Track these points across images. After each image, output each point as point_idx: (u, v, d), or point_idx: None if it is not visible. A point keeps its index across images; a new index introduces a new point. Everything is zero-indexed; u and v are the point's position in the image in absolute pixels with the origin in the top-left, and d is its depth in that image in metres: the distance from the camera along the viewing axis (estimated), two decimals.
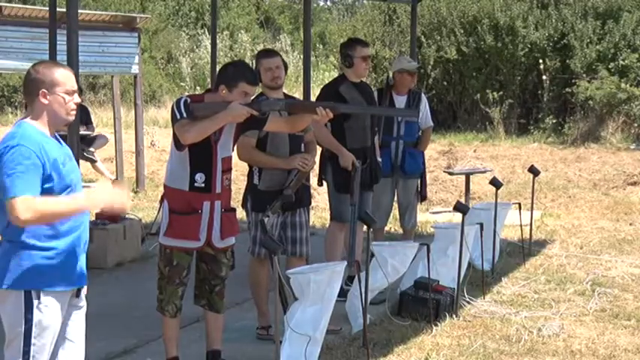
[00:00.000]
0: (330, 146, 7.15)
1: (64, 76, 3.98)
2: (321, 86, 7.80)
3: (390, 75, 8.59)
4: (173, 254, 5.33)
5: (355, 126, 7.18)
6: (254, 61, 6.37)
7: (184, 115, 5.21)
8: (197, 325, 6.36)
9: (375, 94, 8.03)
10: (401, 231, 9.03)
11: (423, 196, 8.72)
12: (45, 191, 3.85)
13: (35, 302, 3.89)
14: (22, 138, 3.87)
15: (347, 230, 7.24)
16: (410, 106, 8.33)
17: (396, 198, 8.59)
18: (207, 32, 28.19)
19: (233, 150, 5.53)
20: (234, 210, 5.54)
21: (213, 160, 5.30)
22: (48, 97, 3.95)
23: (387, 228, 9.28)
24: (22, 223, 3.78)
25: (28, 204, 3.74)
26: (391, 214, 8.84)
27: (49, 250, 3.92)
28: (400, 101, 8.33)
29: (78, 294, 4.08)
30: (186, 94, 5.45)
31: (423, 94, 8.70)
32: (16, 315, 3.91)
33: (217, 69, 6.11)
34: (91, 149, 13.34)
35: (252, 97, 6.43)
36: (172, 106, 5.33)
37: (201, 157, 5.27)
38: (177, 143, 5.26)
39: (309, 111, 5.57)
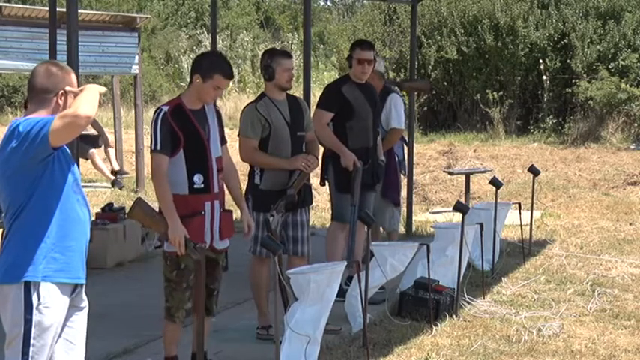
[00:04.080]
0: (332, 146, 7.13)
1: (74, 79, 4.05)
2: (321, 86, 7.79)
3: None
4: (180, 258, 5.21)
5: (357, 126, 7.17)
6: (263, 60, 6.35)
7: (159, 145, 5.12)
8: None
9: None
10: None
11: (393, 202, 8.31)
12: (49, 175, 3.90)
13: (35, 302, 3.89)
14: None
15: (348, 230, 7.23)
16: None
17: None
18: (206, 32, 28.18)
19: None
20: (231, 210, 5.50)
21: (209, 160, 5.25)
22: (62, 97, 3.98)
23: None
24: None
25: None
26: None
27: (52, 242, 3.92)
28: None
29: (75, 290, 4.07)
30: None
31: (394, 95, 8.19)
32: (16, 315, 3.90)
33: None
34: (92, 150, 13.30)
35: (256, 98, 6.45)
36: (152, 120, 5.23)
37: (197, 157, 5.22)
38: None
39: (196, 289, 5.18)
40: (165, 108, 5.25)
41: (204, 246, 5.18)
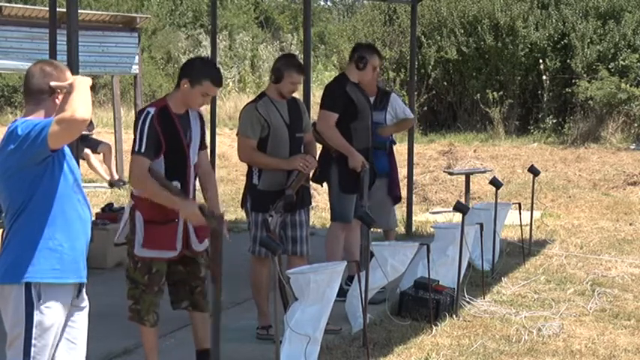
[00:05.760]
0: (341, 147, 7.07)
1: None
2: (321, 86, 7.76)
3: None
4: (152, 262, 5.20)
5: (360, 127, 7.15)
6: (278, 62, 6.35)
7: (143, 148, 5.04)
8: None
9: None
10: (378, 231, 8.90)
11: (395, 198, 8.28)
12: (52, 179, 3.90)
13: (36, 303, 3.89)
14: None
15: (348, 231, 7.23)
16: (376, 106, 8.11)
17: None
18: (204, 33, 28.16)
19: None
20: None
21: (187, 167, 5.21)
22: (60, 96, 3.98)
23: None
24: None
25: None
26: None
27: (53, 242, 3.92)
28: None
29: (79, 291, 4.08)
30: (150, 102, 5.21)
31: (393, 94, 8.42)
32: (17, 316, 3.91)
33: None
34: (87, 150, 13.25)
35: (256, 97, 6.46)
36: (138, 120, 5.16)
37: (176, 164, 5.17)
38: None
39: (213, 257, 5.14)
40: (152, 110, 5.16)
41: (221, 214, 5.14)
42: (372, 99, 7.97)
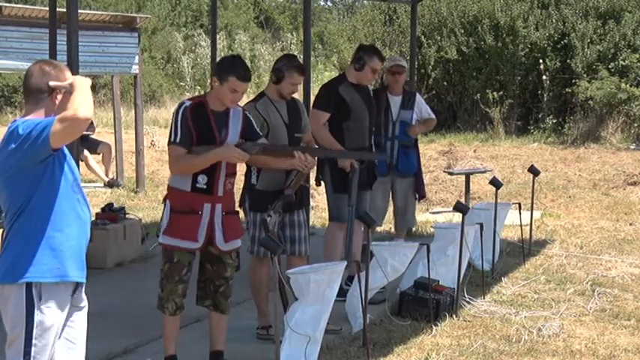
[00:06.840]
0: (330, 146, 7.13)
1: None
2: (320, 86, 7.77)
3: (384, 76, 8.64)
4: (174, 252, 5.35)
5: (353, 126, 7.18)
6: (279, 62, 6.35)
7: (178, 138, 5.25)
8: (197, 325, 6.36)
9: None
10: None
11: (421, 195, 8.74)
12: (51, 178, 3.91)
13: (37, 303, 3.89)
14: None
15: (346, 230, 7.24)
16: (404, 106, 8.32)
17: (391, 198, 8.59)
18: (203, 33, 28.13)
19: None
20: (237, 213, 5.54)
21: (218, 163, 5.31)
22: (59, 96, 3.98)
23: (385, 228, 9.28)
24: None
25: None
26: (386, 214, 8.85)
27: (53, 242, 3.92)
28: (395, 102, 8.35)
29: (76, 290, 4.07)
30: (188, 95, 5.35)
31: (417, 94, 8.68)
32: (17, 315, 3.91)
33: None
34: (86, 152, 13.24)
35: (255, 97, 6.48)
36: (174, 113, 5.36)
37: None
38: None
39: (285, 155, 5.59)
40: (188, 103, 5.38)
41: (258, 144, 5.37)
42: (399, 99, 8.24)
